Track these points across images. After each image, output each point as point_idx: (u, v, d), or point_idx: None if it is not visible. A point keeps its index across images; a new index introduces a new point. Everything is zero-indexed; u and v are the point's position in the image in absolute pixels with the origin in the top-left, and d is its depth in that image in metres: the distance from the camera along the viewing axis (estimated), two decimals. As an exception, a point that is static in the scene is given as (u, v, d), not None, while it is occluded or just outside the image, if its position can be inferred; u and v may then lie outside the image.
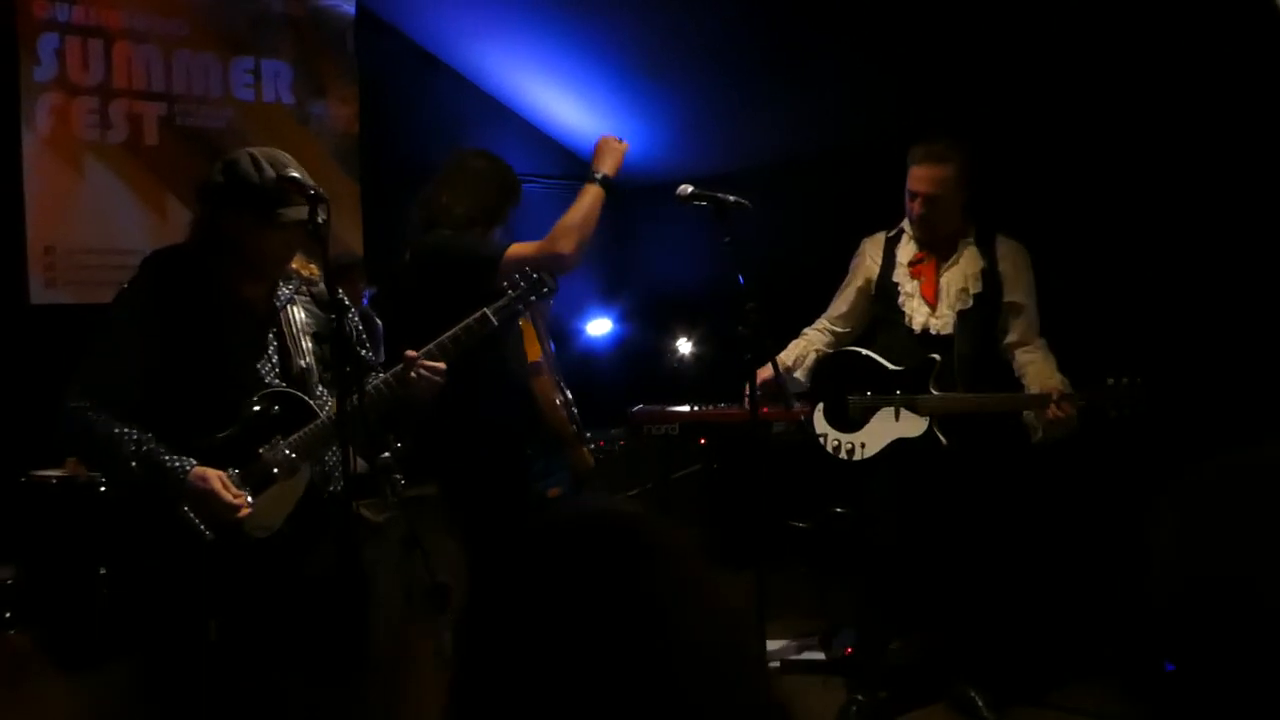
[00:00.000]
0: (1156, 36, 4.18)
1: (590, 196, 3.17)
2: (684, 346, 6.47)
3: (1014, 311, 3.61)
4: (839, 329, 3.85)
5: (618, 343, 7.25)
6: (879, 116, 5.26)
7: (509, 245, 3.20)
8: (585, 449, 3.56)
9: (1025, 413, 3.55)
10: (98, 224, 5.41)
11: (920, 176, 3.56)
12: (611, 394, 5.90)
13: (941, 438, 3.53)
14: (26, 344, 5.11)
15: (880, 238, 3.78)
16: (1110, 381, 3.35)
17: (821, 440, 3.70)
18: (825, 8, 4.92)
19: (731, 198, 3.06)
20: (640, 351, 6.80)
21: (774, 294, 3.72)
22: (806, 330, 3.91)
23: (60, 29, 5.28)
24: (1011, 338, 3.62)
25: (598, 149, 3.26)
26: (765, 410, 3.70)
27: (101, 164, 5.42)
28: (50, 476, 4.46)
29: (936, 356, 3.55)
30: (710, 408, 4.89)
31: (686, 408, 4.91)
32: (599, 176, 3.20)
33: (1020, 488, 3.71)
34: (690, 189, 3.08)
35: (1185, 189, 4.28)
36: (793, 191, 5.54)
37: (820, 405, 3.73)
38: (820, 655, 4.25)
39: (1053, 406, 3.36)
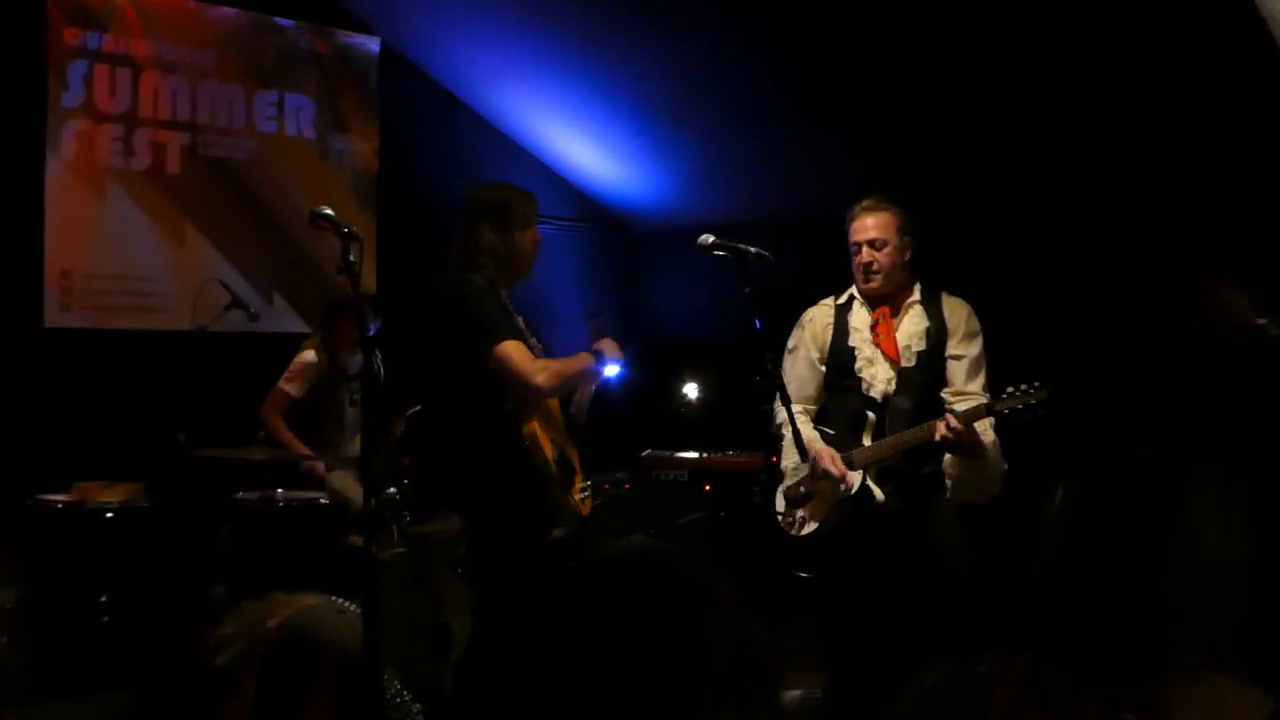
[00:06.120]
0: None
1: (584, 362, 3.51)
2: (692, 392, 6.49)
3: (953, 361, 3.55)
4: (813, 408, 3.70)
5: (625, 386, 7.25)
6: (895, 170, 5.30)
7: (508, 339, 3.28)
8: (575, 495, 3.49)
9: (945, 467, 3.49)
10: (116, 250, 5.45)
11: (862, 225, 3.57)
12: (618, 437, 5.90)
13: (877, 491, 3.48)
14: (39, 366, 5.13)
15: (828, 306, 3.71)
16: (1009, 390, 3.31)
17: (779, 520, 3.64)
18: (845, 62, 4.98)
19: (753, 249, 3.07)
20: (648, 396, 6.81)
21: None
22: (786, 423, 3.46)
23: (90, 57, 5.35)
24: (949, 388, 3.55)
25: (604, 342, 3.62)
26: (774, 459, 3.68)
27: (123, 190, 5.47)
28: (56, 501, 4.45)
29: (870, 414, 3.51)
30: (719, 454, 4.89)
31: (695, 454, 4.91)
32: (596, 349, 3.55)
33: (950, 540, 3.60)
34: (712, 239, 3.09)
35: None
36: (806, 242, 5.57)
37: (783, 486, 3.66)
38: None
39: (940, 425, 3.30)
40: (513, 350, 3.26)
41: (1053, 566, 1.21)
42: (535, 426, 3.35)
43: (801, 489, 3.62)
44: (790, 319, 3.79)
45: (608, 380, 3.83)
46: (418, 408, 4.90)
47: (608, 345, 3.59)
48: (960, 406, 3.45)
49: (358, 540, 4.28)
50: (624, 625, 0.92)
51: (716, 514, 5.32)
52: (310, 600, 1.37)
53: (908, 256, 3.57)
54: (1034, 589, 1.22)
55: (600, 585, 0.96)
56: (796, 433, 3.14)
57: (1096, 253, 4.75)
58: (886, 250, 3.53)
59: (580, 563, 0.99)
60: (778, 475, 3.63)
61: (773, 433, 3.28)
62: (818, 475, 3.54)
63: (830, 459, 3.51)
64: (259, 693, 1.24)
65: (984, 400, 3.44)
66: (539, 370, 3.31)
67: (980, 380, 3.53)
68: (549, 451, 3.36)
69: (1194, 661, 1.15)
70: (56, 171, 5.27)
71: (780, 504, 3.68)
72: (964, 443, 3.33)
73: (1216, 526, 1.18)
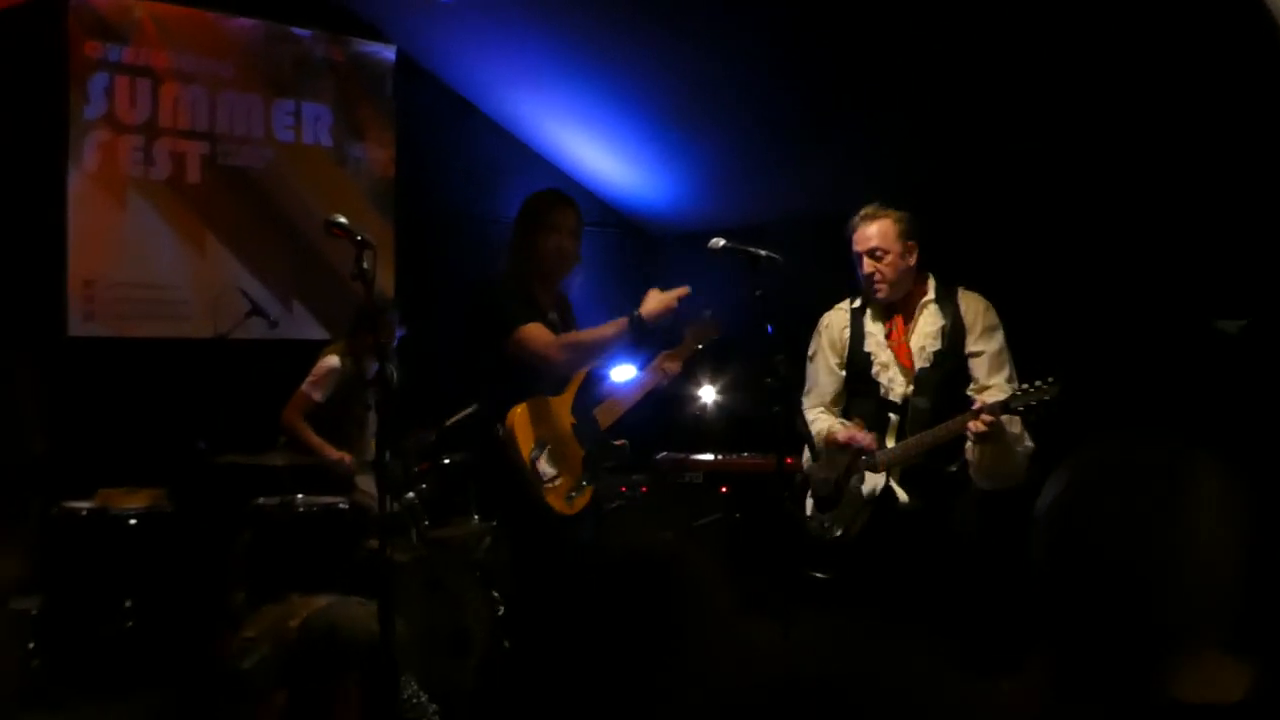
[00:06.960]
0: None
1: (613, 328, 3.50)
2: (707, 395, 6.50)
3: (974, 359, 3.52)
4: (836, 410, 3.70)
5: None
6: (907, 175, 5.31)
7: (530, 322, 3.44)
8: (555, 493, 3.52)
9: (969, 456, 3.44)
10: (138, 259, 5.52)
11: (862, 236, 3.55)
12: (634, 440, 5.92)
13: (900, 493, 3.45)
14: (63, 375, 5.20)
15: (844, 310, 3.70)
16: (1024, 386, 3.27)
17: (808, 523, 3.64)
18: (858, 65, 5.00)
19: (763, 252, 3.09)
20: (663, 398, 6.82)
21: (801, 347, 3.76)
22: (811, 420, 3.65)
23: (111, 69, 5.42)
24: (973, 385, 3.51)
25: (648, 295, 3.53)
26: (789, 460, 3.69)
27: (144, 200, 5.54)
28: (80, 508, 4.51)
29: (892, 415, 3.50)
30: (734, 456, 4.89)
31: (710, 456, 4.93)
32: (634, 313, 3.48)
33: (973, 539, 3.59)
34: (723, 242, 3.12)
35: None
36: (820, 245, 5.59)
37: (810, 491, 3.66)
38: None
39: (975, 421, 3.27)
40: (531, 330, 3.44)
41: (1049, 556, 1.22)
42: (516, 422, 3.41)
43: (829, 488, 3.60)
44: (805, 321, 3.80)
45: (622, 385, 3.82)
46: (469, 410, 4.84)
47: (654, 298, 3.51)
48: (985, 398, 3.39)
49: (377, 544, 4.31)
50: (615, 625, 0.95)
51: (733, 516, 5.34)
52: (328, 599, 1.40)
53: (913, 261, 3.53)
54: (1032, 580, 1.23)
55: (597, 586, 0.98)
56: (807, 432, 3.17)
57: (1112, 252, 4.75)
58: (888, 260, 3.50)
59: (580, 563, 1.01)
60: (788, 477, 3.63)
61: (799, 432, 3.33)
62: (836, 453, 3.49)
63: (846, 431, 3.48)
64: (291, 691, 1.26)
65: (1008, 392, 3.37)
66: (555, 344, 3.47)
67: (1004, 373, 3.47)
68: (524, 447, 3.42)
69: (1191, 646, 1.16)
70: (78, 182, 5.34)
71: (809, 507, 3.67)
72: (993, 434, 3.28)
73: (1214, 513, 1.18)
